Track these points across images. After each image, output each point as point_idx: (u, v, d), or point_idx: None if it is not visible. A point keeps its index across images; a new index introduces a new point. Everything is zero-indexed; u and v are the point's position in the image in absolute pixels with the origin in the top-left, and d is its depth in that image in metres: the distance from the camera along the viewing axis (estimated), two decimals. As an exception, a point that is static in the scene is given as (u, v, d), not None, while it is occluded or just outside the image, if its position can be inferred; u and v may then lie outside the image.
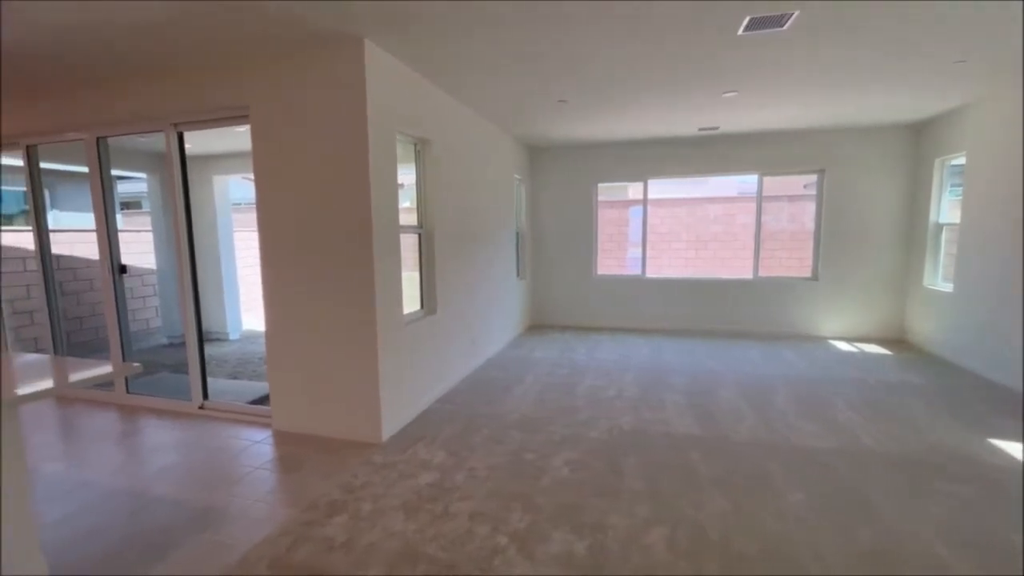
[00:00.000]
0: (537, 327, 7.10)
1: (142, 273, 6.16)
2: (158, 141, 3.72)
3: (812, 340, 6.07)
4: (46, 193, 4.44)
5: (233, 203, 6.97)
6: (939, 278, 5.44)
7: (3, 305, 4.57)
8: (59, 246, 4.89)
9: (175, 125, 3.53)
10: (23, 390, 1.73)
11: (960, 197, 4.96)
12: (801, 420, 3.55)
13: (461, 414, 3.73)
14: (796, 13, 2.71)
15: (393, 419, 3.39)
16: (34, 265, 4.36)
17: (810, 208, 6.46)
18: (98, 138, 3.78)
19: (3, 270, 4.69)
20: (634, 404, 3.91)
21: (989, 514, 2.39)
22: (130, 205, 9.89)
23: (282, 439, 3.34)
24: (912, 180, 5.76)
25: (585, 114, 4.94)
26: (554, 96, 4.28)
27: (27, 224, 4.35)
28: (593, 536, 2.24)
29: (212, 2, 2.44)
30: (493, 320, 5.51)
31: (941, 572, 2.00)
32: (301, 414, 3.42)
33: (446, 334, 4.26)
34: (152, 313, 6.30)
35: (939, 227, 5.42)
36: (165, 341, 6.29)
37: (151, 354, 5.83)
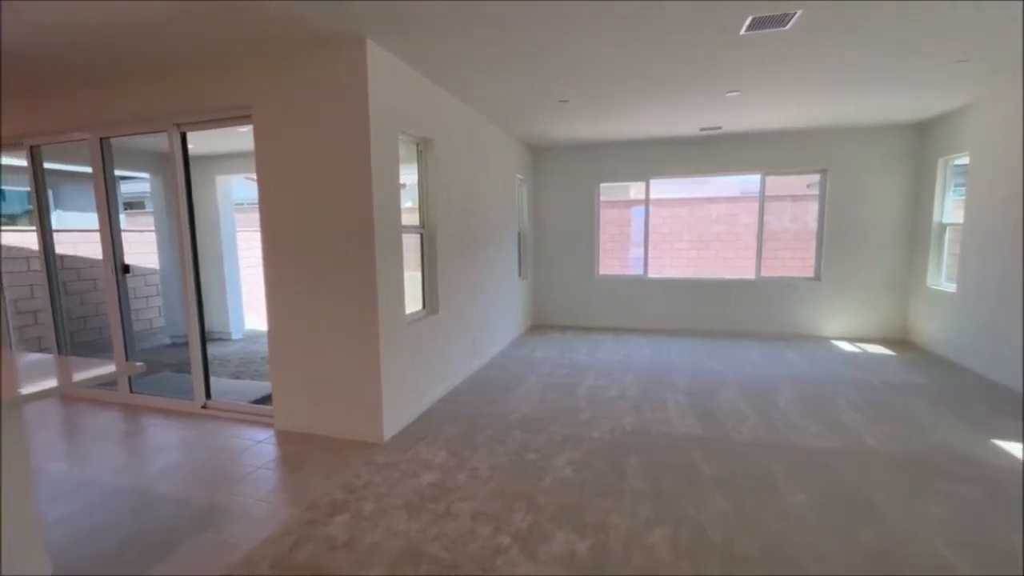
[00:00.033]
0: (539, 327, 7.10)
1: (145, 273, 6.18)
2: (161, 141, 3.73)
3: (814, 340, 6.05)
4: (50, 193, 4.45)
5: (236, 203, 6.99)
6: (942, 278, 5.43)
7: (7, 305, 4.59)
8: (63, 246, 4.91)
9: (178, 125, 3.55)
10: (27, 389, 1.74)
11: (963, 197, 4.94)
12: (803, 420, 3.54)
13: (463, 414, 3.74)
14: (798, 13, 2.71)
15: (395, 419, 3.39)
16: (38, 265, 4.38)
17: (813, 208, 6.44)
18: (101, 138, 3.79)
19: (8, 270, 4.71)
20: (636, 404, 3.91)
21: (991, 515, 2.38)
22: (133, 205, 9.92)
23: (284, 439, 3.35)
24: (915, 180, 5.74)
25: (587, 114, 4.94)
26: (556, 96, 4.28)
27: (31, 224, 4.37)
28: (595, 536, 2.24)
29: (214, 2, 2.45)
30: (495, 320, 5.51)
31: (943, 572, 1.99)
32: (303, 414, 3.43)
33: (448, 334, 4.26)
34: (155, 313, 6.32)
35: (942, 227, 5.40)
36: (168, 341, 6.31)
37: (154, 354, 5.85)
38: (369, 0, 2.48)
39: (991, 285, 4.46)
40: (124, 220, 4.94)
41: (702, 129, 5.75)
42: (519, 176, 6.38)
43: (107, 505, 2.56)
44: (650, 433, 3.36)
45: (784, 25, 2.86)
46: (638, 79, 3.83)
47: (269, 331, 3.44)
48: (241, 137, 4.92)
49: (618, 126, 5.55)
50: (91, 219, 4.03)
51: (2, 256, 4.60)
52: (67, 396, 4.23)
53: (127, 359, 4.04)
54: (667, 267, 8.13)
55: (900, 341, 5.91)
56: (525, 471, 2.85)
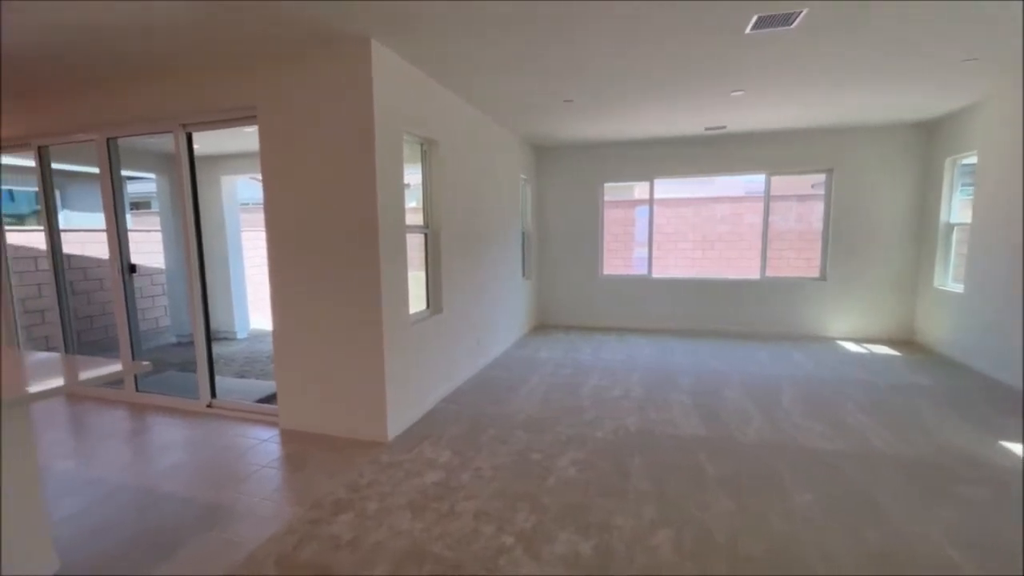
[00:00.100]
0: (542, 327, 7.10)
1: (151, 272, 6.22)
2: (167, 142, 3.75)
3: (820, 341, 6.02)
4: (57, 193, 4.49)
5: (241, 203, 7.02)
6: (949, 279, 5.39)
7: (15, 304, 4.63)
8: (70, 246, 4.94)
9: (184, 126, 3.56)
10: (34, 388, 1.76)
11: (971, 197, 4.91)
12: (808, 421, 3.52)
13: (467, 414, 3.74)
14: (804, 11, 2.70)
15: (399, 418, 3.40)
16: (46, 264, 4.41)
17: (818, 208, 6.41)
18: (108, 139, 3.82)
19: (16, 269, 4.74)
20: (640, 404, 3.90)
21: (998, 516, 2.36)
22: (140, 205, 9.98)
23: (289, 438, 3.36)
24: (922, 179, 5.70)
25: (591, 114, 4.93)
26: (560, 96, 4.28)
27: (39, 224, 4.41)
28: (599, 536, 2.24)
29: (220, 3, 2.46)
30: (499, 320, 5.51)
31: (950, 573, 1.97)
32: (308, 413, 3.44)
33: (452, 334, 4.27)
34: (161, 312, 6.36)
35: (949, 227, 5.36)
36: (174, 340, 6.34)
37: (160, 353, 5.88)
38: (375, 1, 2.49)
39: (999, 286, 4.42)
40: (130, 220, 4.97)
41: (707, 128, 5.73)
42: (523, 176, 6.38)
43: (113, 503, 2.57)
44: (654, 433, 3.35)
45: (789, 24, 2.85)
46: (643, 78, 3.82)
47: (274, 330, 3.45)
48: (246, 137, 4.94)
49: (622, 126, 5.53)
50: (98, 219, 4.06)
51: (10, 256, 4.63)
52: (74, 394, 4.26)
53: (133, 358, 4.06)
54: (671, 267, 8.11)
55: (906, 342, 5.87)
56: (529, 471, 2.85)
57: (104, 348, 5.40)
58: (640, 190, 8.05)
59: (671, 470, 2.84)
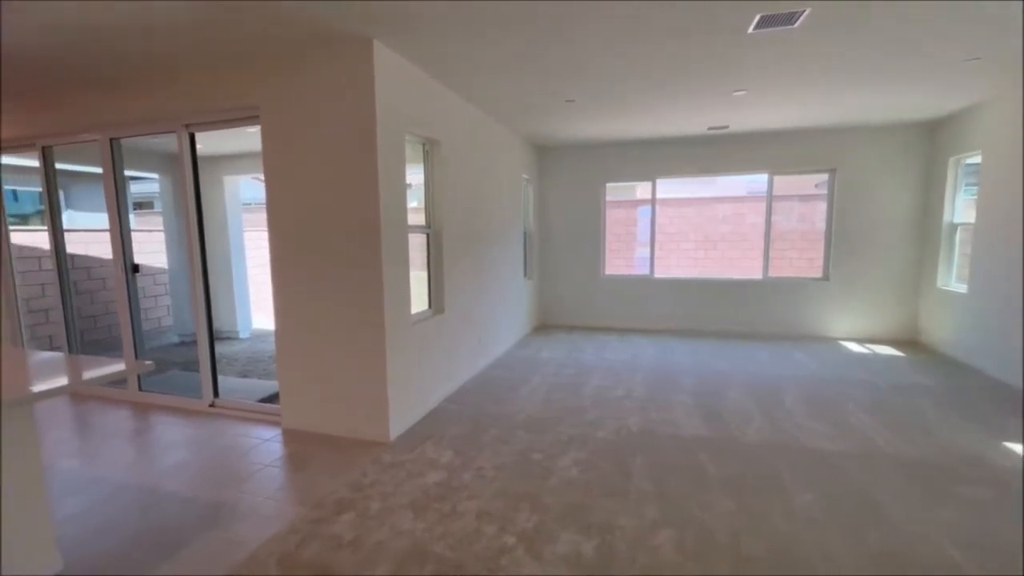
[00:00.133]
0: (544, 327, 7.09)
1: (154, 272, 6.23)
2: (170, 142, 3.77)
3: (822, 341, 6.01)
4: (61, 194, 4.50)
5: (243, 203, 7.03)
6: (953, 279, 5.37)
7: (19, 304, 4.65)
8: (73, 245, 4.96)
9: (187, 126, 3.57)
10: (38, 387, 1.77)
11: (975, 196, 4.89)
12: (811, 421, 3.51)
13: (468, 414, 3.74)
14: (807, 11, 2.69)
15: (401, 418, 3.40)
16: (49, 264, 4.43)
17: (821, 207, 6.39)
18: (111, 139, 3.83)
19: (19, 269, 4.76)
20: (642, 404, 3.89)
21: (999, 517, 2.35)
22: (143, 205, 10.01)
23: (291, 437, 3.37)
24: (926, 179, 5.68)
25: (593, 113, 4.93)
26: (562, 96, 4.28)
27: (43, 224, 4.42)
28: (601, 537, 2.24)
29: (219, 3, 2.46)
30: (500, 320, 5.51)
31: (952, 574, 1.97)
32: (310, 412, 3.45)
33: (453, 334, 4.27)
34: (164, 312, 6.37)
35: (953, 227, 5.34)
36: (176, 340, 6.36)
37: (163, 352, 5.90)
38: (376, 1, 2.49)
39: (1003, 286, 4.41)
40: (134, 220, 4.98)
41: (709, 128, 5.72)
42: (525, 176, 6.38)
43: (116, 502, 2.58)
44: (656, 434, 3.35)
45: (792, 23, 2.84)
46: (645, 78, 3.81)
47: (276, 330, 3.46)
48: (249, 137, 4.96)
49: (624, 125, 5.53)
50: (101, 219, 4.07)
51: (14, 255, 4.65)
52: (77, 394, 4.28)
53: (136, 358, 4.08)
54: (673, 267, 8.09)
55: (909, 342, 5.85)
56: (530, 471, 2.85)
57: (107, 348, 5.42)
58: (642, 190, 8.03)
59: (673, 470, 2.84)
